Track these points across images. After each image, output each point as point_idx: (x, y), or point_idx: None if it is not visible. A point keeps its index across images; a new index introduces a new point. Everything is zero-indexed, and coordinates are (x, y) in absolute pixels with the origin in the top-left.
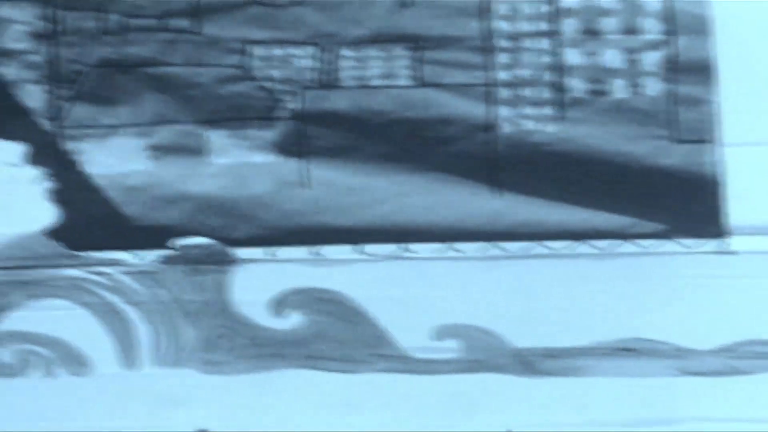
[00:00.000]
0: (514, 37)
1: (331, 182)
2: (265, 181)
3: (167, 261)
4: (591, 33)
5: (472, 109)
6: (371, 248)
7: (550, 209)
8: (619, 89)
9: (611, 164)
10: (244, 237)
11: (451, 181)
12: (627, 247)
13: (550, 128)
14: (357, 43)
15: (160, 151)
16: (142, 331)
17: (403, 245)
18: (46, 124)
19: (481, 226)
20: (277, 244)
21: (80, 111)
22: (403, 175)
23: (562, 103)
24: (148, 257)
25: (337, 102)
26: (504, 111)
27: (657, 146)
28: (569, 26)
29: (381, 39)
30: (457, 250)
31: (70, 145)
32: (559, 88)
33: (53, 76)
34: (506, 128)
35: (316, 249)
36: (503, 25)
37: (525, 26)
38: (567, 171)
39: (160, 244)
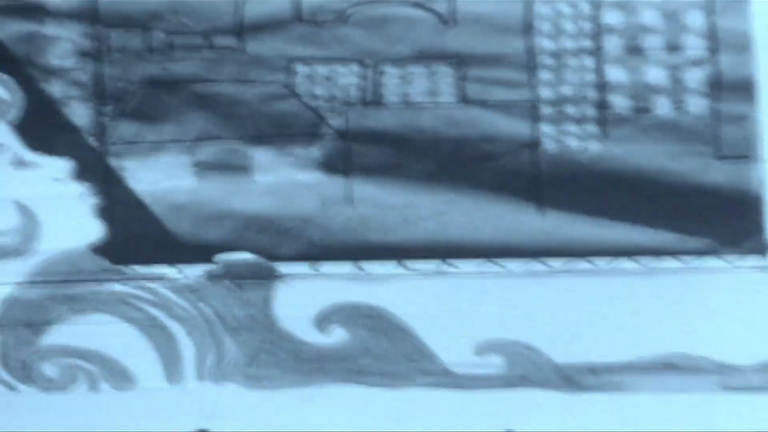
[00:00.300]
0: (557, 54)
1: (375, 200)
2: (310, 198)
3: (211, 276)
4: (634, 50)
5: (515, 126)
6: (415, 264)
7: (594, 226)
8: (662, 106)
9: (655, 181)
10: (288, 254)
11: (495, 199)
12: (669, 262)
13: (594, 146)
14: (401, 60)
15: (205, 168)
16: (186, 345)
17: (446, 261)
18: (91, 141)
19: (525, 243)
20: (322, 261)
21: (125, 128)
22: (447, 193)
23: (605, 120)
24: (192, 273)
25: (381, 120)
26: (547, 128)
27: (700, 163)
28: (612, 43)
29: (425, 56)
30: (501, 266)
31: (115, 162)
32: (602, 105)
33: (99, 93)
34: (549, 146)
35: (360, 265)
36: (546, 43)
37: (568, 44)
38: (610, 188)
39: (204, 260)
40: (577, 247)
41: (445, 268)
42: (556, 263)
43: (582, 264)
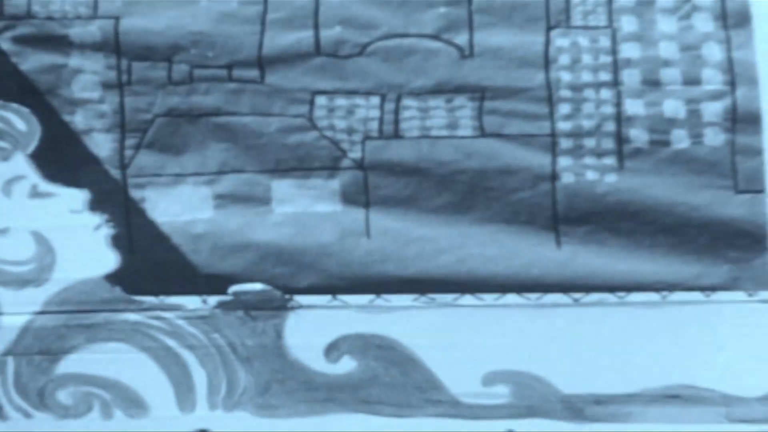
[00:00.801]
0: (576, 87)
1: (393, 232)
2: (329, 230)
3: (223, 306)
4: (652, 83)
5: (533, 159)
6: (424, 296)
7: (612, 259)
8: (680, 139)
9: (672, 214)
10: (306, 286)
11: (513, 231)
12: (677, 296)
13: (612, 178)
14: (420, 93)
15: (225, 199)
16: (198, 374)
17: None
18: (113, 172)
19: (543, 276)
20: (339, 293)
21: (147, 159)
22: (465, 225)
23: (623, 153)
24: (205, 303)
25: (400, 152)
26: (565, 161)
27: (718, 196)
28: (630, 77)
29: (444, 89)
30: (525, 297)
31: (136, 193)
32: (620, 138)
33: (121, 124)
34: (567, 178)
35: (371, 296)
36: (565, 76)
37: (587, 77)
38: (628, 221)
39: (221, 291)
40: (596, 281)
41: (452, 300)
42: (566, 296)
43: (593, 297)
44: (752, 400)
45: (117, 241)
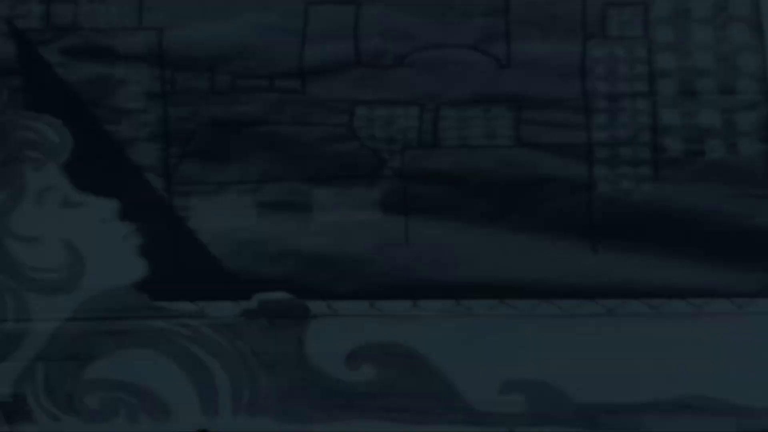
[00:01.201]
0: (612, 97)
1: (432, 240)
2: (368, 238)
3: (247, 314)
4: (687, 93)
5: (569, 168)
6: (429, 303)
7: (647, 267)
8: (715, 149)
9: (707, 223)
10: (345, 293)
11: (550, 240)
12: (708, 307)
13: (647, 187)
14: (458, 103)
15: (267, 207)
16: (223, 380)
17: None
18: (157, 181)
19: (579, 284)
20: (377, 300)
21: (190, 168)
22: (502, 233)
23: (658, 162)
24: (229, 310)
25: (439, 161)
26: (601, 170)
27: (754, 205)
28: (666, 86)
29: (481, 99)
30: (557, 306)
31: (180, 201)
32: (655, 147)
33: (165, 134)
34: (604, 187)
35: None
36: (601, 86)
37: (622, 87)
38: (664, 230)
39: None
40: (629, 287)
41: (488, 309)
42: (597, 305)
43: (624, 307)
44: (762, 410)
45: (146, 250)
